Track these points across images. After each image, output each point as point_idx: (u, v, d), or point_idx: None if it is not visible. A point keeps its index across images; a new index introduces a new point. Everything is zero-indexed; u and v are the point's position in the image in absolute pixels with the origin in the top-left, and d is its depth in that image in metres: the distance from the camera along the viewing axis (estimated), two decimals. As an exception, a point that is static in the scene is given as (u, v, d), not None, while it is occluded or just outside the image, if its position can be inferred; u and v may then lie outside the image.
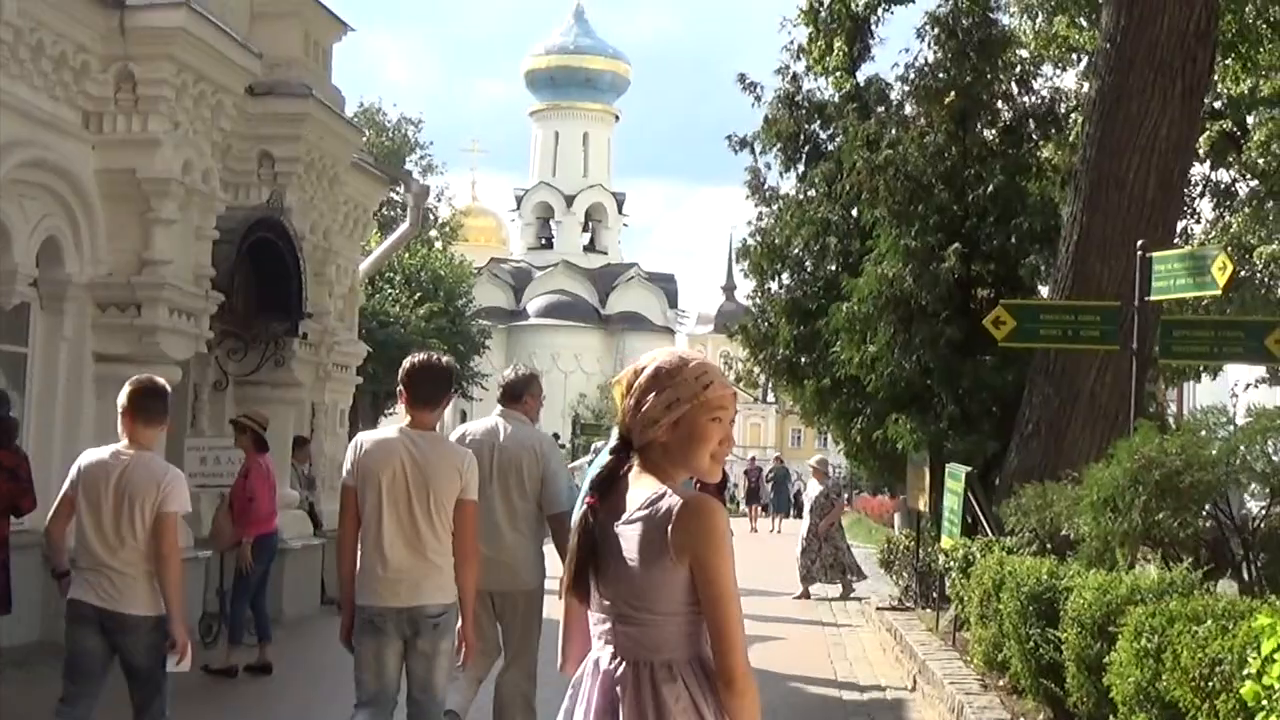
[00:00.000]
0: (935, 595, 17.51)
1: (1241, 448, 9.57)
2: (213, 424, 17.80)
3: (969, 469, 15.25)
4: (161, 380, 8.14)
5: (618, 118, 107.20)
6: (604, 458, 4.14)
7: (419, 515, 7.64)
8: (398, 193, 27.37)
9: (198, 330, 15.98)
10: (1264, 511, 10.05)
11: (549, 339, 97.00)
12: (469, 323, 56.48)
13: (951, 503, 15.42)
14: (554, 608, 6.94)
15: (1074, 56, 23.42)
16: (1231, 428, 10.63)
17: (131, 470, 7.74)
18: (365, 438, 7.92)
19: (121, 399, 7.89)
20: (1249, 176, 28.21)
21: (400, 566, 7.64)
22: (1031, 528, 12.78)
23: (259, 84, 17.66)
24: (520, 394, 9.39)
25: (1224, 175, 27.21)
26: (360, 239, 23.27)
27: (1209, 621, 7.09)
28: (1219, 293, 14.28)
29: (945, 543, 15.25)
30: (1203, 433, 10.32)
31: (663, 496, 3.91)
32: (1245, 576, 10.20)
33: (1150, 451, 9.79)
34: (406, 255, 53.71)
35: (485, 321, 66.42)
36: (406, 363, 7.87)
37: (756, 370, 24.35)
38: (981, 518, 14.89)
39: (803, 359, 22.12)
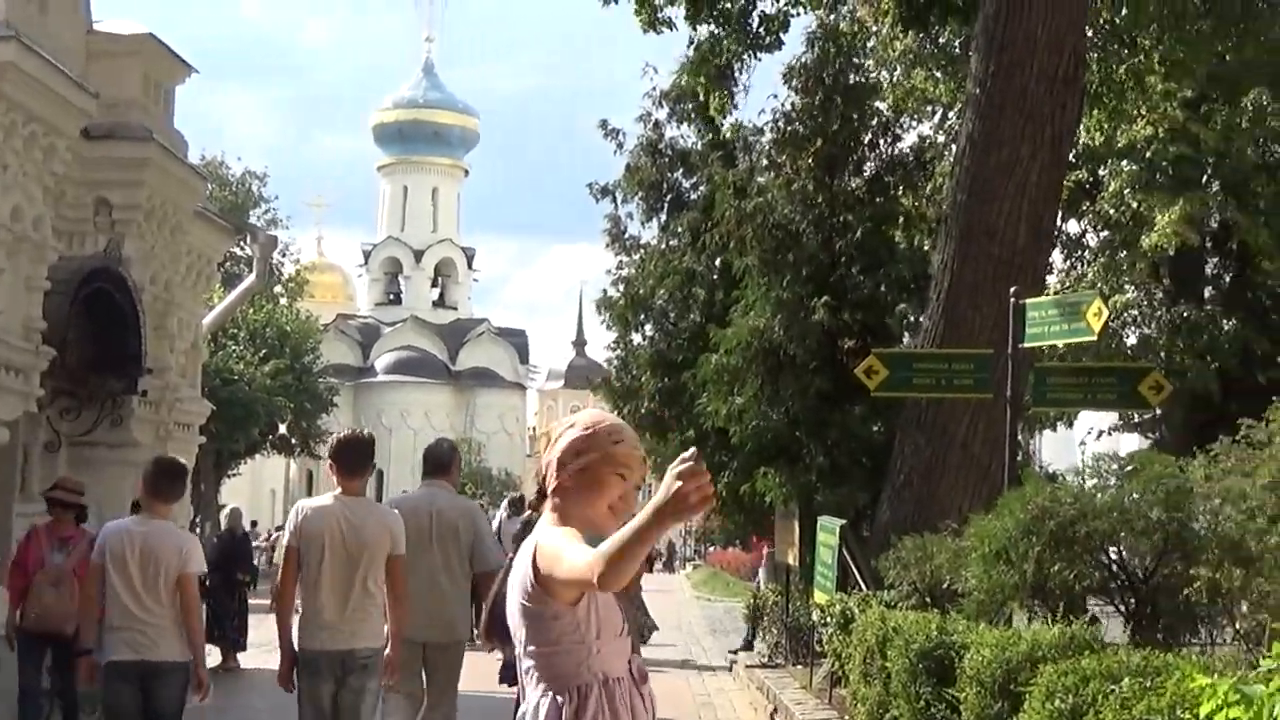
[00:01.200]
0: (807, 651, 17.10)
1: (1135, 495, 9.24)
2: (45, 488, 16.90)
3: (842, 521, 14.90)
4: (180, 460, 9.51)
5: (467, 172, 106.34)
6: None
7: (355, 571, 8.70)
8: (243, 245, 26.69)
9: (27, 388, 14.98)
10: (1155, 562, 9.73)
11: (398, 396, 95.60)
12: (315, 380, 55.50)
13: (824, 556, 15.06)
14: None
15: (930, 109, 23.37)
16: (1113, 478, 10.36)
17: (154, 538, 8.78)
18: (306, 504, 9.06)
19: (144, 476, 9.16)
20: (1100, 227, 28.39)
21: (337, 616, 8.71)
22: (912, 581, 12.43)
23: (95, 126, 16.78)
24: (446, 466, 10.59)
25: (1073, 226, 27.34)
26: (204, 292, 22.41)
27: (1126, 679, 6.73)
28: (1094, 338, 14.11)
29: (819, 597, 14.87)
30: (1093, 481, 10.00)
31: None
32: (1136, 628, 9.88)
33: (1043, 501, 9.46)
34: (251, 311, 52.71)
35: (332, 379, 65.42)
36: (333, 440, 9.15)
37: (620, 424, 23.92)
38: (856, 572, 14.51)
39: (668, 412, 21.76)
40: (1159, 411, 27.27)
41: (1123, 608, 10.10)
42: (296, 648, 8.82)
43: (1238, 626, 9.71)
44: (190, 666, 8.95)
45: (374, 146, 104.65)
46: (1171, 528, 9.17)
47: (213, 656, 20.30)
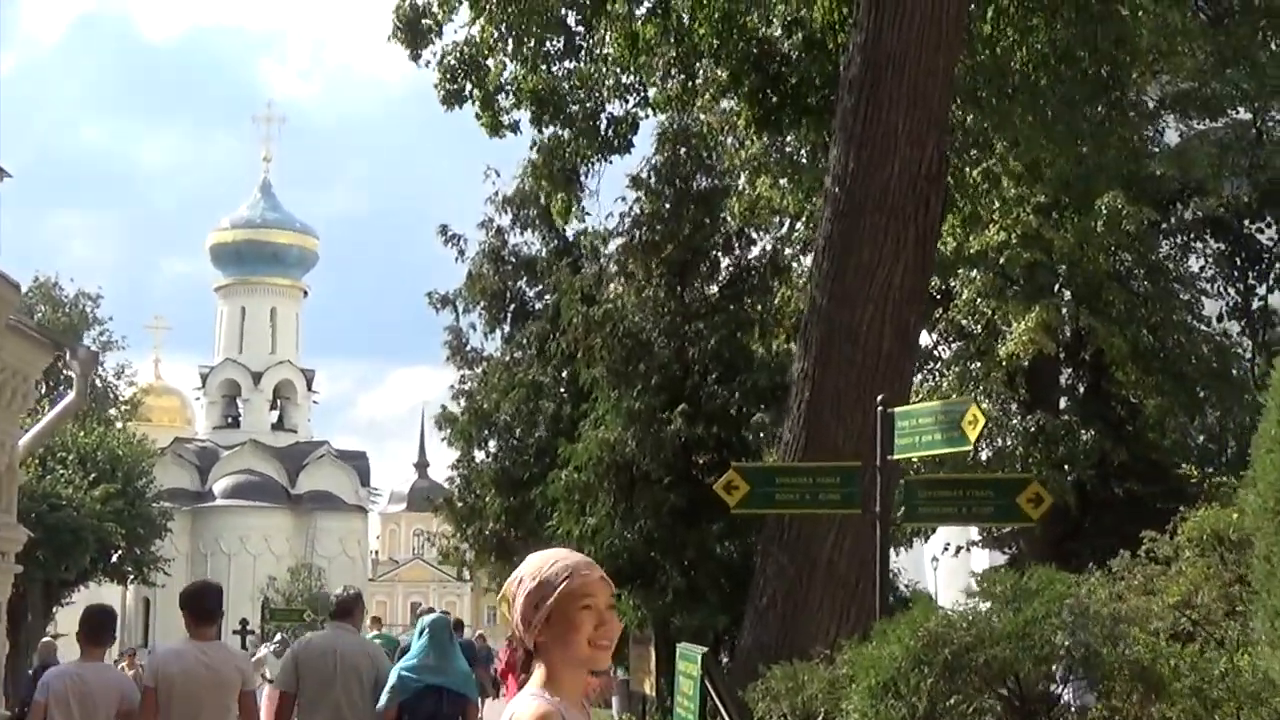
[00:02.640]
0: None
1: (1039, 620, 8.32)
2: None
3: (703, 650, 13.83)
4: (109, 606, 10.91)
5: (306, 293, 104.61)
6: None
7: (211, 707, 9.54)
8: (66, 362, 25.24)
9: None
10: (1062, 692, 8.82)
11: (237, 520, 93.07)
12: (149, 505, 53.58)
13: (685, 687, 13.96)
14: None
15: (778, 220, 22.76)
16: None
17: (91, 678, 9.87)
18: (163, 649, 10.90)
19: (79, 624, 10.24)
20: (952, 338, 27.96)
21: None
22: (782, 713, 11.44)
23: (-105, 235, 15.56)
24: (350, 610, 11.66)
25: (925, 338, 26.80)
26: (20, 411, 20.85)
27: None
28: (969, 448, 13.33)
29: (681, 732, 13.79)
30: (987, 604, 9.06)
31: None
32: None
33: (935, 626, 8.51)
34: (81, 434, 50.96)
35: (167, 504, 63.43)
36: (184, 590, 10.09)
37: (464, 547, 22.79)
38: (720, 704, 13.45)
39: (514, 532, 20.71)
40: (1015, 526, 26.79)
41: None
42: None
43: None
44: None
45: (212, 268, 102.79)
46: (1079, 654, 8.25)
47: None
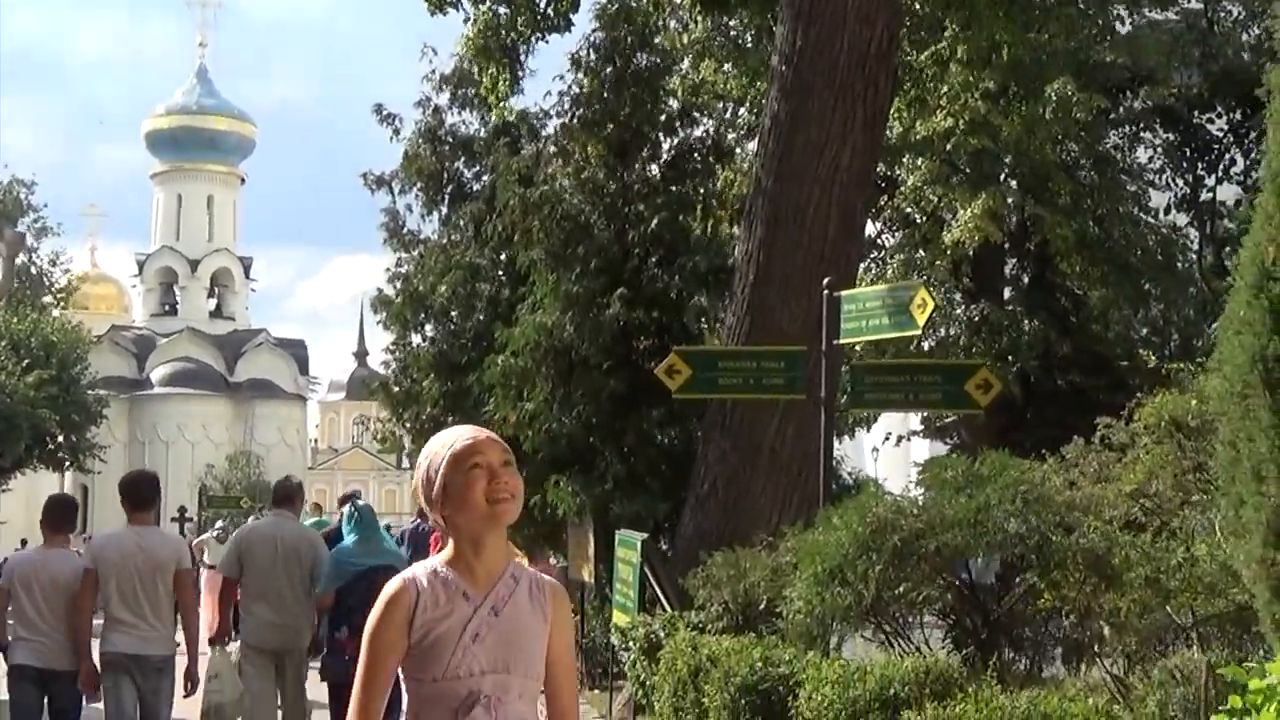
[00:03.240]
0: (604, 674, 15.75)
1: (991, 506, 7.99)
2: None
3: (643, 536, 13.53)
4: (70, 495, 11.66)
5: (244, 180, 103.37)
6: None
7: (147, 587, 10.08)
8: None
9: None
10: (1005, 580, 8.52)
11: (175, 408, 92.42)
12: (84, 392, 52.91)
13: (624, 574, 13.70)
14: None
15: (721, 105, 22.29)
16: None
17: (54, 564, 10.42)
18: (101, 534, 11.79)
19: (42, 512, 10.95)
20: (896, 226, 27.67)
21: (132, 626, 10.07)
22: (723, 600, 11.16)
23: None
24: (291, 498, 12.27)
25: (869, 226, 26.45)
26: (-57, 293, 20.41)
27: (1013, 730, 5.50)
28: (918, 333, 13.02)
29: (619, 618, 13.51)
30: (934, 491, 8.75)
31: None
32: (982, 652, 8.67)
33: (884, 513, 8.19)
34: (15, 320, 50.22)
35: (103, 391, 62.79)
36: (122, 479, 10.65)
37: (400, 433, 22.36)
38: (660, 591, 13.17)
39: (452, 418, 20.28)
40: (959, 415, 26.65)
41: (966, 629, 8.91)
42: (100, 652, 10.19)
43: (1101, 654, 8.54)
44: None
45: (148, 155, 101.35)
46: (1031, 541, 7.93)
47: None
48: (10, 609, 10.46)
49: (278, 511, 12.09)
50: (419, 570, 4.21)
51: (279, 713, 11.68)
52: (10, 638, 10.49)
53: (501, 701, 4.07)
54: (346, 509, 12.21)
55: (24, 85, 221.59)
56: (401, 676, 4.15)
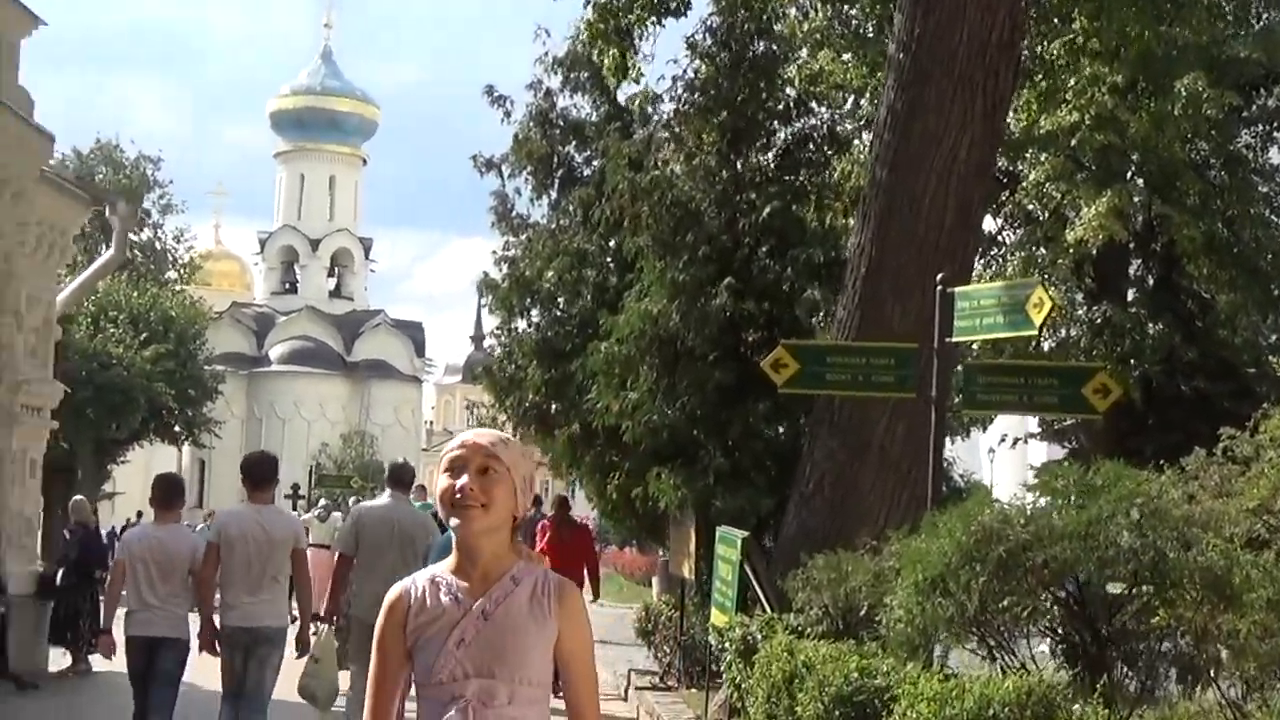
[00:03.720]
0: (703, 673, 15.42)
1: (1104, 519, 7.55)
2: None
3: (744, 534, 13.19)
4: (177, 474, 12.99)
5: (365, 161, 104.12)
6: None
7: (265, 563, 10.96)
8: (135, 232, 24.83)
9: None
10: (1126, 597, 8.06)
11: (291, 386, 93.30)
12: (200, 367, 53.44)
13: (724, 571, 13.39)
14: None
15: (841, 95, 21.82)
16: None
17: (168, 540, 11.32)
18: (224, 511, 12.80)
19: (151, 491, 11.72)
20: (1017, 223, 27.07)
21: (249, 599, 10.96)
22: (823, 604, 10.78)
23: (-80, 77, 15.07)
24: (405, 481, 13.19)
25: (989, 223, 25.88)
26: (57, 265, 20.37)
27: (1119, 766, 5.10)
28: (1034, 333, 12.56)
29: (717, 618, 13.20)
30: (1046, 499, 8.31)
31: None
32: (1090, 673, 8.24)
33: (990, 521, 7.77)
34: (135, 295, 50.78)
35: (222, 367, 63.44)
36: (244, 459, 11.69)
37: (503, 419, 22.13)
38: (760, 591, 12.82)
39: (554, 405, 20.03)
40: (1077, 419, 26.05)
41: (1073, 649, 8.47)
42: (218, 625, 11.09)
43: (1217, 677, 8.07)
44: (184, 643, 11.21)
45: (273, 135, 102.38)
46: (1146, 557, 7.49)
47: (63, 660, 18.90)
48: (126, 582, 11.22)
49: (393, 493, 12.81)
50: (420, 575, 4.28)
51: None
52: (125, 610, 11.35)
53: (486, 706, 4.00)
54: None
55: (154, 64, 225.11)
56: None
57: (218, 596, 11.26)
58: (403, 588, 4.21)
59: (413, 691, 4.16)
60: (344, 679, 12.58)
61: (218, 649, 11.13)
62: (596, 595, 19.75)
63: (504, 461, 4.12)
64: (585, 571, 18.60)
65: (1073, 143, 21.98)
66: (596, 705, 4.28)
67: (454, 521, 4.11)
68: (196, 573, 11.15)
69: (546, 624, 4.10)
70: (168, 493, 11.73)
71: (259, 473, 11.40)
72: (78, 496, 24.11)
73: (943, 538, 7.96)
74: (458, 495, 4.08)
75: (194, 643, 11.25)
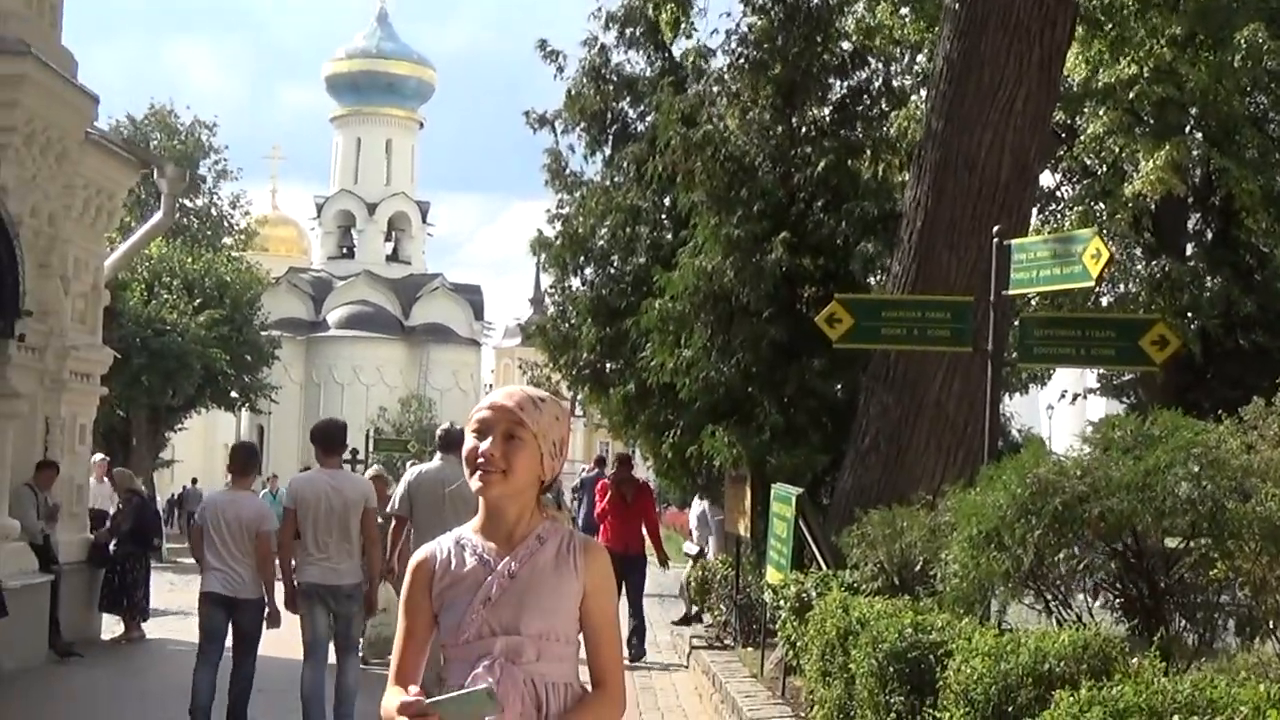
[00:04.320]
0: (758, 631, 15.37)
1: (1162, 469, 7.43)
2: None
3: (799, 491, 13.11)
4: (251, 442, 13.29)
5: (422, 124, 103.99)
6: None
7: (339, 524, 11.69)
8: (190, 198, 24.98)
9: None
10: (1184, 549, 7.94)
11: (350, 350, 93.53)
12: (256, 332, 53.49)
13: (779, 529, 13.32)
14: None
15: (899, 51, 21.59)
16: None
17: (243, 503, 12.14)
18: (298, 477, 13.30)
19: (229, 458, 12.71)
20: (1075, 178, 26.82)
21: (323, 559, 11.68)
22: (878, 560, 10.70)
23: (-37, 38, 15.05)
24: (456, 443, 12.42)
25: (1045, 178, 25.65)
26: (104, 229, 20.38)
27: (1176, 717, 5.01)
28: (1092, 284, 12.42)
29: (772, 576, 13.13)
30: (1103, 451, 8.19)
31: None
32: (1146, 626, 8.13)
33: (1046, 474, 7.67)
34: (190, 260, 50.86)
35: (279, 332, 63.61)
36: (315, 426, 12.64)
37: (557, 378, 22.09)
38: (815, 548, 12.75)
39: (609, 364, 20.00)
40: (1135, 373, 25.84)
41: (1130, 602, 8.36)
42: (296, 583, 11.84)
43: (1276, 629, 7.94)
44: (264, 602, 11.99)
45: (329, 99, 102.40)
46: (1205, 508, 7.37)
47: (116, 627, 18.99)
48: (205, 544, 11.92)
49: (445, 456, 13.06)
50: (446, 537, 4.24)
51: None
52: (204, 568, 12.04)
53: (513, 663, 3.98)
54: None
55: (210, 28, 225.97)
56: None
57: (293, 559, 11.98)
58: (428, 550, 4.19)
59: (444, 654, 4.12)
60: None
61: (297, 606, 11.87)
62: (663, 561, 19.55)
63: (530, 427, 4.06)
64: (645, 533, 18.38)
65: (1131, 96, 21.74)
66: (619, 664, 4.23)
67: (475, 485, 4.10)
68: (270, 536, 11.93)
69: (573, 580, 4.08)
70: (243, 460, 12.46)
71: (330, 438, 12.17)
72: (120, 467, 24.21)
73: (998, 491, 7.86)
74: (480, 460, 4.05)
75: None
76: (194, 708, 11.86)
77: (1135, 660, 6.29)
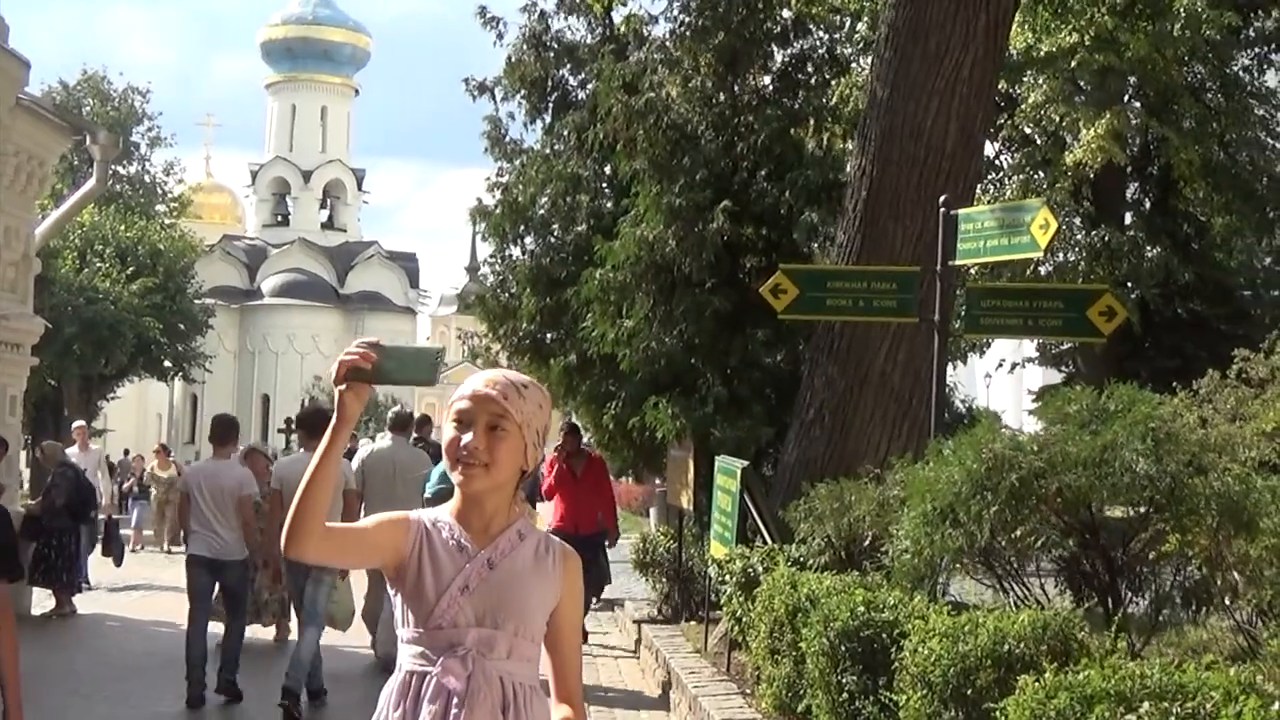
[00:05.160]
0: (701, 604, 15.22)
1: (1120, 445, 7.31)
2: None
3: (744, 463, 12.96)
4: (230, 414, 14.73)
5: (358, 91, 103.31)
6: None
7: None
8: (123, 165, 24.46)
9: None
10: (1139, 525, 7.84)
11: (285, 319, 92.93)
12: (190, 301, 52.95)
13: (723, 503, 13.16)
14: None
15: (839, 19, 21.44)
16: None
17: (224, 472, 13.15)
18: (283, 460, 15.78)
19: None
20: (1013, 147, 26.83)
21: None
22: (825, 535, 10.58)
23: (-111, 0, 14.66)
24: (405, 425, 15.23)
25: (987, 147, 25.65)
26: (35, 196, 19.95)
27: (1146, 704, 4.88)
28: (1040, 254, 12.32)
29: (716, 550, 12.98)
30: (1058, 425, 8.06)
31: None
32: (1103, 603, 8.04)
33: (1001, 448, 7.54)
34: (123, 228, 50.25)
35: (213, 300, 63.02)
36: (299, 413, 14.96)
37: (496, 348, 21.86)
38: (760, 521, 12.60)
39: (549, 334, 19.78)
40: (1074, 343, 25.89)
41: (1085, 574, 8.26)
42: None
43: (1231, 604, 7.88)
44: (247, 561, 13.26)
45: (264, 65, 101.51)
46: (1163, 484, 7.26)
47: (46, 602, 18.67)
48: (190, 510, 12.93)
49: (394, 438, 14.78)
50: (424, 514, 4.07)
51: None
52: (188, 533, 13.23)
53: (484, 656, 3.88)
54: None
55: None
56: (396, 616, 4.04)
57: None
58: (415, 515, 4.04)
59: (401, 633, 3.99)
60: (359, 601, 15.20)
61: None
62: (614, 540, 18.54)
63: (514, 418, 3.91)
64: (600, 512, 17.17)
65: (1073, 64, 21.69)
66: (581, 674, 4.18)
67: (457, 478, 3.94)
68: (250, 501, 13.06)
69: (550, 583, 4.00)
70: (222, 431, 13.47)
71: (312, 423, 12.59)
72: (47, 441, 23.85)
73: (952, 466, 7.73)
74: (462, 452, 3.90)
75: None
76: (189, 664, 12.55)
77: (1096, 641, 6.19)
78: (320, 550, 3.90)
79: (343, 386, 3.86)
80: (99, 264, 46.83)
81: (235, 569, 13.00)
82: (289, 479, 12.04)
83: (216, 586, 13.16)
